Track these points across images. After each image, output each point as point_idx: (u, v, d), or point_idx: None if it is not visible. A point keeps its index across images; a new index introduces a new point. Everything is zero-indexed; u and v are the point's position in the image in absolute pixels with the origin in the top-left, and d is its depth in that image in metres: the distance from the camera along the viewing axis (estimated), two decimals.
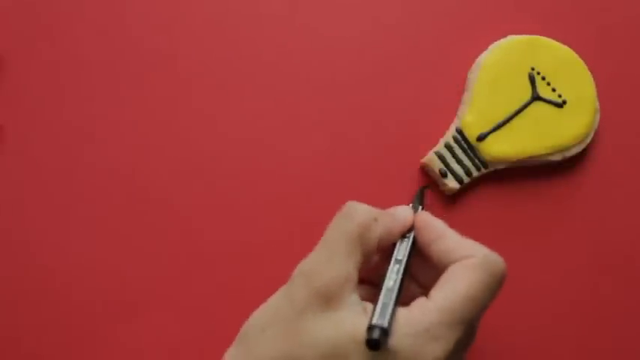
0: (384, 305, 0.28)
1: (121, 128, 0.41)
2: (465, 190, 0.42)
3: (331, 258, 0.29)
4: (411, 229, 0.32)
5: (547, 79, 0.41)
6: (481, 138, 0.40)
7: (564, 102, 0.41)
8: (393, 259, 0.31)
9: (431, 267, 0.32)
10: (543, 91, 0.41)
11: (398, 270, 0.30)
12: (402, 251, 0.31)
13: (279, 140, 0.41)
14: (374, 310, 0.28)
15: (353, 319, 0.28)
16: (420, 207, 0.35)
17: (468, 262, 0.29)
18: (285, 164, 0.41)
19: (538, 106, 0.41)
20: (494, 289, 0.29)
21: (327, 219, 0.40)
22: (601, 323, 0.41)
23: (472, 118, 0.40)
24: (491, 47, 0.42)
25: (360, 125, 0.42)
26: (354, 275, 0.29)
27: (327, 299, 0.28)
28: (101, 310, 0.39)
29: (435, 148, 0.40)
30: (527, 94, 0.41)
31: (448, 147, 0.40)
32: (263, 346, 0.28)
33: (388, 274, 0.30)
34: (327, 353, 0.27)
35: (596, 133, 0.43)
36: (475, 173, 0.40)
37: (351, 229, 0.30)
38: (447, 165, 0.40)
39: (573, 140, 0.41)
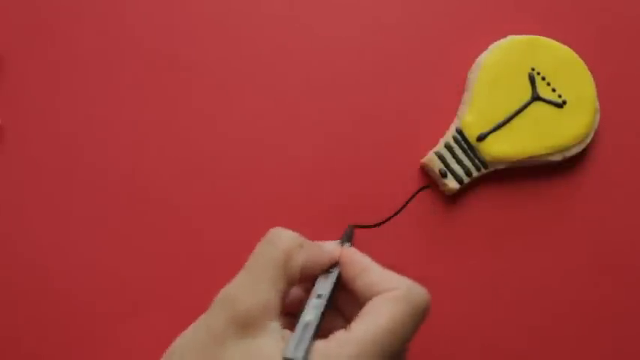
0: (300, 337, 0.27)
1: (121, 128, 0.41)
2: (465, 190, 0.42)
3: (254, 284, 0.28)
4: (336, 264, 0.32)
5: (547, 79, 0.41)
6: (481, 138, 0.40)
7: (564, 102, 0.41)
8: (314, 294, 0.30)
9: (357, 302, 0.31)
10: (543, 91, 0.41)
11: (318, 304, 0.30)
12: (324, 286, 0.31)
13: (279, 140, 0.41)
14: (289, 341, 0.27)
15: (271, 346, 0.27)
16: (349, 244, 0.34)
17: (390, 294, 0.29)
18: (285, 164, 0.41)
19: (538, 106, 0.41)
20: (417, 321, 0.29)
21: (327, 218, 0.40)
22: (601, 323, 0.41)
23: (472, 118, 0.40)
24: (491, 47, 0.42)
25: (360, 125, 0.42)
26: (276, 303, 0.29)
27: (246, 326, 0.28)
28: (101, 310, 0.39)
29: (435, 148, 0.40)
30: (527, 94, 0.41)
31: (448, 147, 0.40)
32: None
33: (307, 309, 0.29)
34: None
35: (596, 133, 0.43)
36: (475, 173, 0.40)
37: (276, 256, 0.29)
38: (447, 165, 0.40)
39: (573, 140, 0.41)
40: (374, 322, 0.28)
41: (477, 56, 0.43)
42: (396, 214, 0.38)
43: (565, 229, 0.42)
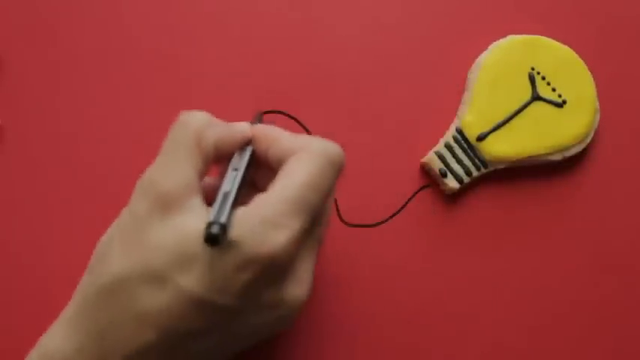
0: (221, 205, 0.27)
1: (121, 128, 0.41)
2: (465, 190, 0.42)
3: (169, 165, 0.29)
4: (249, 142, 0.32)
5: (547, 79, 0.41)
6: (481, 138, 0.40)
7: (564, 102, 0.41)
8: (230, 168, 0.30)
9: (274, 175, 0.31)
10: (543, 91, 0.41)
11: (235, 176, 0.29)
12: (239, 160, 0.31)
13: None
14: (211, 210, 0.27)
15: (195, 221, 0.27)
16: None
17: (303, 153, 0.29)
18: None
19: (538, 106, 0.41)
20: (333, 173, 0.29)
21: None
22: (601, 323, 0.41)
23: (472, 118, 0.40)
24: (491, 47, 0.42)
25: (360, 125, 0.42)
26: (194, 180, 0.29)
27: (169, 206, 0.28)
28: None
29: (435, 148, 0.40)
30: (527, 94, 0.41)
31: (448, 147, 0.40)
32: (112, 262, 0.28)
33: (224, 182, 0.29)
34: (174, 258, 0.27)
35: (596, 133, 0.43)
36: (475, 173, 0.40)
37: (189, 135, 0.29)
38: (447, 165, 0.40)
39: (573, 140, 0.41)
40: (290, 179, 0.28)
41: (477, 56, 0.43)
42: (395, 214, 0.38)
43: (565, 229, 0.42)
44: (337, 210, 0.40)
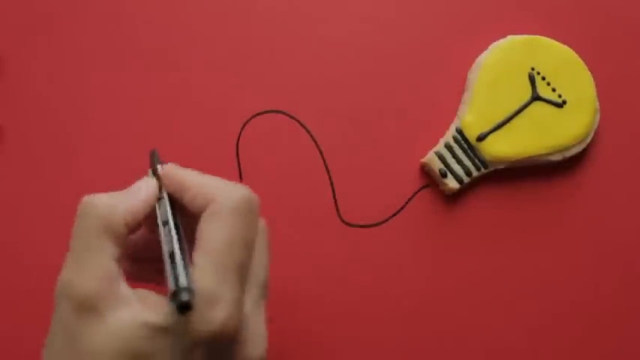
0: (173, 268, 0.26)
1: (121, 128, 0.41)
2: (465, 190, 0.42)
3: (83, 263, 0.27)
4: (162, 188, 0.30)
5: (547, 79, 0.41)
6: (481, 138, 0.40)
7: (564, 102, 0.41)
8: (160, 225, 0.29)
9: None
10: (543, 91, 0.41)
11: (169, 231, 0.28)
12: (163, 212, 0.29)
13: (279, 140, 0.41)
14: (169, 276, 0.26)
15: (128, 313, 0.26)
16: (160, 165, 0.32)
17: (213, 211, 0.28)
18: (285, 164, 0.41)
19: (538, 106, 0.41)
20: (250, 221, 0.28)
21: (328, 218, 0.40)
22: (601, 323, 0.41)
23: (472, 118, 0.40)
24: (491, 47, 0.42)
25: (360, 125, 0.42)
26: (113, 269, 0.27)
27: (94, 306, 0.26)
28: None
29: (435, 148, 0.40)
30: (527, 94, 0.41)
31: (448, 147, 0.40)
32: None
33: (163, 242, 0.28)
34: (123, 356, 0.25)
35: (596, 133, 0.43)
36: (475, 173, 0.40)
37: (93, 226, 0.27)
38: (447, 165, 0.40)
39: (573, 140, 0.41)
40: (210, 246, 0.27)
41: (477, 56, 0.43)
42: (395, 214, 0.38)
43: (565, 228, 0.42)
44: (337, 210, 0.40)
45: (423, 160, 0.41)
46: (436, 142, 0.42)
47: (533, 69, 0.41)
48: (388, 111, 0.42)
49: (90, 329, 0.26)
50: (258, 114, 0.42)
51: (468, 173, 0.40)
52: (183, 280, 0.25)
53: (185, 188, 0.29)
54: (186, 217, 0.31)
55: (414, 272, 0.40)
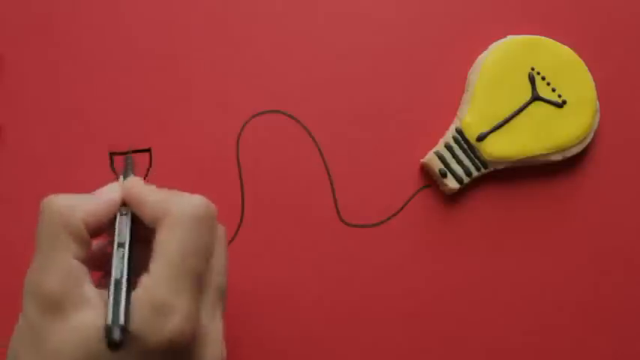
0: (116, 299, 0.26)
1: (121, 128, 0.41)
2: (465, 190, 0.42)
3: (46, 261, 0.27)
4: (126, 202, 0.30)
5: (547, 79, 0.41)
6: (481, 138, 0.40)
7: (564, 102, 0.41)
8: (115, 244, 0.29)
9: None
10: (543, 91, 0.41)
11: (122, 256, 0.28)
12: (122, 231, 0.29)
13: (279, 140, 0.41)
14: (110, 304, 0.26)
15: (91, 315, 0.26)
16: (132, 175, 0.32)
17: (167, 222, 0.28)
18: (285, 164, 0.41)
19: (538, 106, 0.41)
20: (205, 229, 0.28)
21: (328, 219, 0.40)
22: (601, 323, 0.41)
23: (472, 118, 0.40)
24: (491, 47, 0.42)
25: (360, 125, 0.42)
26: (77, 268, 0.27)
27: (58, 305, 0.26)
28: None
29: (435, 148, 0.40)
30: (527, 94, 0.41)
31: (448, 147, 0.40)
32: None
33: (113, 266, 0.28)
34: (82, 357, 0.26)
35: (596, 133, 0.43)
36: (475, 173, 0.40)
37: (53, 224, 0.28)
38: (447, 165, 0.40)
39: (573, 140, 0.41)
40: (164, 254, 0.27)
41: (477, 56, 0.43)
42: (395, 214, 0.38)
43: (565, 229, 0.42)
44: (337, 210, 0.40)
45: (423, 160, 0.41)
46: (436, 143, 0.42)
47: (533, 69, 0.41)
48: (388, 111, 0.42)
49: (53, 327, 0.26)
50: (258, 114, 0.42)
51: (468, 173, 0.40)
52: (120, 316, 0.25)
53: (142, 203, 0.29)
54: (147, 231, 0.30)
55: (414, 272, 0.40)
